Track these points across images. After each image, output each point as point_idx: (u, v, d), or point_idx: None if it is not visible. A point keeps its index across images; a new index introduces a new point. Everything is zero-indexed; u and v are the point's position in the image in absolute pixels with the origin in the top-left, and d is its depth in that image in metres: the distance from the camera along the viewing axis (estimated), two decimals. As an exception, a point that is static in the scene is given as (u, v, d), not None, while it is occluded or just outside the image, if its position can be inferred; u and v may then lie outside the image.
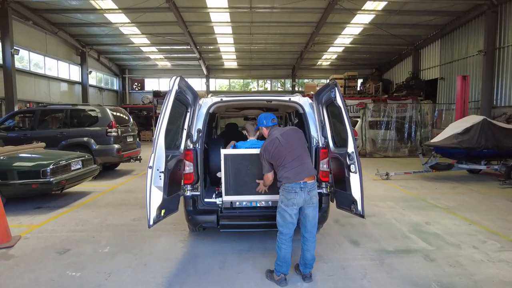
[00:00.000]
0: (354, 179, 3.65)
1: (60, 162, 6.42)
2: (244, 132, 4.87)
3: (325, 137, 4.30)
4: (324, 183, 4.35)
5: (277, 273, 3.51)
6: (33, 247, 4.48)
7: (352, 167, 3.63)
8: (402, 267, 3.88)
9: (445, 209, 6.29)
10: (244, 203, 4.32)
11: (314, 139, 4.41)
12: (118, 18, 16.74)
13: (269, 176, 3.66)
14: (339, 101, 3.62)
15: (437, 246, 4.51)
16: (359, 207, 3.62)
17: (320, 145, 4.35)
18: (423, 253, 4.28)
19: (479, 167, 9.34)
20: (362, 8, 15.49)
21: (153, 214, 3.33)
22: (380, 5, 15.31)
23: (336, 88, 3.66)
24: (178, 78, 3.51)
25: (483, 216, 5.83)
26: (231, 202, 4.29)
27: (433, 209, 6.35)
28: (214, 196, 4.56)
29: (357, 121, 15.67)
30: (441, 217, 5.82)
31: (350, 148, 3.63)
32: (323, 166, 4.29)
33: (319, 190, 4.39)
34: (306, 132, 4.51)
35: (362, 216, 3.65)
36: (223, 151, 4.24)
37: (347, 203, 3.86)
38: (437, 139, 9.56)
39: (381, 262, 4.03)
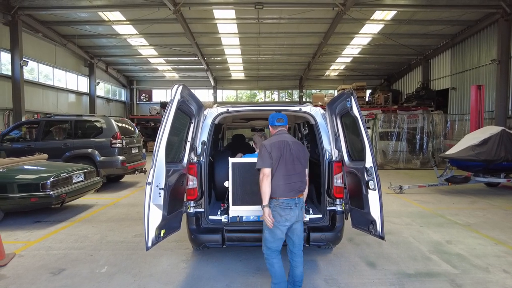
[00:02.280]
0: (372, 197, 3.33)
1: (61, 175, 6.21)
2: (251, 143, 4.60)
3: (339, 150, 3.99)
4: (338, 200, 4.02)
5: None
6: (27, 266, 4.21)
7: (371, 184, 3.31)
8: (426, 294, 3.51)
9: (466, 227, 5.88)
10: (251, 217, 4.03)
11: (327, 152, 4.11)
12: (126, 29, 16.84)
13: (266, 172, 3.12)
14: (355, 111, 3.33)
15: (462, 269, 4.11)
16: (379, 228, 3.29)
17: (334, 158, 4.04)
18: (448, 277, 3.90)
19: (498, 180, 8.89)
20: (371, 18, 15.32)
21: (151, 235, 3.05)
22: (389, 15, 15.11)
23: (352, 97, 3.37)
24: (181, 87, 3.27)
25: (509, 235, 5.41)
26: (238, 217, 4.00)
27: (453, 226, 5.94)
28: (219, 213, 4.26)
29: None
30: (463, 235, 5.41)
31: (368, 162, 3.32)
32: (337, 181, 3.97)
33: (332, 208, 4.11)
34: (318, 144, 4.22)
35: (382, 238, 3.31)
36: (231, 160, 4.01)
37: (365, 222, 3.53)
38: (452, 150, 9.16)
39: (401, 287, 3.66)
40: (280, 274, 3.23)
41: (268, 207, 3.11)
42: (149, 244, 3.02)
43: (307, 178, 3.42)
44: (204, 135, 4.13)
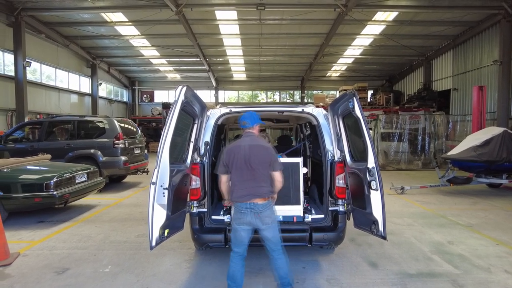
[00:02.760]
0: (375, 197, 3.35)
1: (65, 175, 6.25)
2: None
3: (341, 151, 4.01)
4: (340, 200, 4.05)
5: None
6: (31, 265, 4.25)
7: (373, 184, 3.33)
8: (428, 294, 3.53)
9: (468, 227, 5.89)
10: None
11: (329, 153, 4.13)
12: (128, 30, 16.90)
13: (221, 179, 3.35)
14: (357, 112, 3.36)
15: (464, 269, 4.12)
16: (381, 228, 3.31)
17: (336, 159, 4.06)
18: (450, 277, 3.91)
19: (500, 181, 8.88)
20: (373, 19, 15.33)
21: (155, 234, 3.07)
22: (391, 16, 15.12)
23: (354, 98, 3.40)
24: (185, 88, 3.30)
25: (511, 235, 5.41)
26: None
27: (454, 226, 5.94)
28: (222, 213, 4.28)
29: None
30: (464, 236, 5.42)
31: (371, 163, 3.34)
32: (339, 181, 4.00)
33: (334, 208, 4.12)
34: (321, 145, 4.24)
35: (384, 238, 3.33)
36: None
37: (367, 223, 3.55)
38: (454, 151, 9.16)
39: (403, 287, 3.68)
40: (232, 277, 3.25)
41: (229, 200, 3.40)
42: (153, 243, 3.05)
43: (265, 181, 3.23)
44: (207, 136, 4.16)
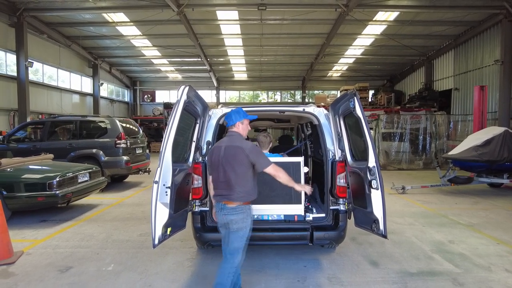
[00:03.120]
0: (375, 196, 3.37)
1: (67, 174, 6.29)
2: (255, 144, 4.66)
3: (342, 150, 4.04)
4: (341, 199, 4.07)
5: None
6: (34, 264, 4.29)
7: (374, 183, 3.35)
8: (429, 293, 3.55)
9: (469, 227, 5.90)
10: (255, 216, 4.08)
11: (330, 152, 4.16)
12: (129, 30, 16.95)
13: (209, 179, 3.40)
14: (358, 111, 3.38)
15: (465, 268, 4.14)
16: (381, 227, 3.33)
17: (337, 158, 4.09)
18: (450, 276, 3.93)
19: (501, 181, 8.89)
20: (374, 19, 15.34)
21: (158, 232, 3.10)
22: (392, 16, 15.13)
23: (355, 98, 3.42)
24: (187, 88, 3.32)
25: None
26: None
27: (455, 226, 5.96)
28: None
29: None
30: (465, 235, 5.43)
31: (371, 162, 3.36)
32: (340, 181, 4.02)
33: (335, 207, 4.15)
34: (322, 144, 4.27)
35: (384, 236, 3.36)
36: None
37: (367, 221, 3.57)
38: (455, 151, 9.17)
39: (404, 286, 3.70)
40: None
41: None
42: (156, 241, 3.08)
43: (240, 185, 3.07)
44: (209, 135, 4.19)
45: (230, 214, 3.08)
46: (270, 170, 3.11)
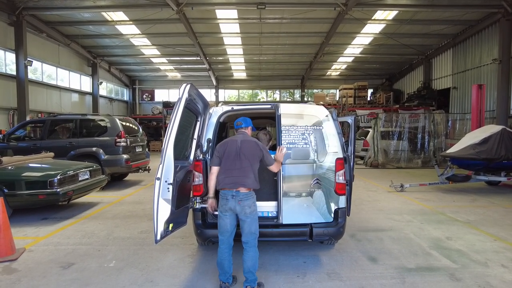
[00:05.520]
0: None
1: (68, 173, 6.33)
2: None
3: (342, 147, 4.09)
4: (340, 197, 4.11)
5: (219, 278, 3.55)
6: (37, 260, 4.33)
7: None
8: (426, 287, 3.61)
9: (467, 224, 5.97)
10: None
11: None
12: (129, 29, 16.94)
13: (212, 170, 3.66)
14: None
15: (462, 264, 4.21)
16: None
17: (337, 155, 4.13)
18: (448, 271, 3.99)
19: (499, 178, 8.96)
20: (373, 18, 15.38)
21: (160, 228, 3.15)
22: (391, 15, 15.17)
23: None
24: (189, 86, 3.37)
25: (508, 231, 5.50)
26: None
27: (453, 223, 6.02)
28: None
29: (368, 131, 15.41)
30: (463, 232, 5.50)
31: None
32: (339, 178, 4.07)
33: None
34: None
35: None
36: None
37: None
38: (453, 149, 9.24)
39: (402, 281, 3.76)
40: (220, 264, 3.48)
41: (213, 198, 3.69)
42: (158, 237, 3.13)
43: (253, 173, 3.53)
44: (209, 133, 4.23)
45: (245, 199, 3.43)
46: (275, 167, 3.73)
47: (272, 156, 3.74)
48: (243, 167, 3.50)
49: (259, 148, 3.61)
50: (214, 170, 3.64)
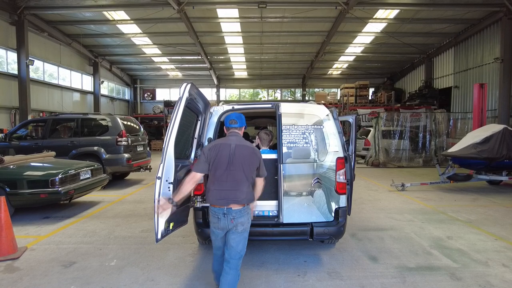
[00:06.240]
0: None
1: (69, 172, 6.34)
2: (255, 141, 4.72)
3: (343, 146, 4.10)
4: (341, 196, 4.12)
5: (215, 281, 3.30)
6: (38, 259, 4.35)
7: None
8: (427, 287, 3.61)
9: (467, 223, 5.96)
10: (256, 212, 4.15)
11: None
12: (130, 28, 16.97)
13: (196, 176, 3.04)
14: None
15: (462, 263, 4.21)
16: None
17: (338, 155, 4.14)
18: (448, 271, 3.99)
19: (500, 178, 8.93)
20: (374, 17, 15.36)
21: (161, 227, 3.16)
22: (392, 14, 15.15)
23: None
24: (189, 85, 3.37)
25: (509, 231, 5.49)
26: None
27: (454, 222, 6.02)
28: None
29: (370, 131, 15.40)
30: (464, 231, 5.49)
31: None
32: (340, 177, 4.07)
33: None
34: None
35: None
36: None
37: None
38: (454, 148, 9.22)
39: (402, 280, 3.76)
40: (217, 273, 3.21)
41: (174, 206, 3.12)
42: (159, 236, 3.14)
43: (247, 187, 3.03)
44: (210, 132, 4.24)
45: (239, 217, 2.98)
46: (262, 181, 3.21)
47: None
48: (236, 179, 2.97)
49: (257, 157, 3.09)
50: (197, 177, 3.04)
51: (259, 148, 4.63)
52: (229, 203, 2.96)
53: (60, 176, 6.04)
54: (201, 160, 3.08)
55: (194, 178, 3.04)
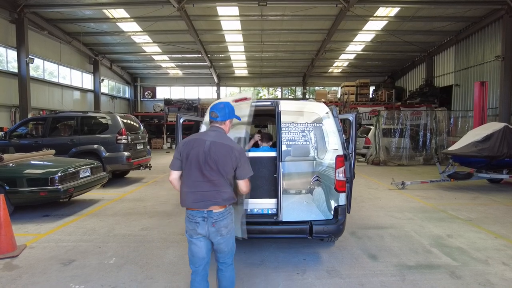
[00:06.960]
0: None
1: (69, 170, 6.34)
2: (254, 138, 4.71)
3: (342, 144, 4.08)
4: (341, 194, 4.10)
5: None
6: (38, 257, 4.35)
7: None
8: (426, 285, 3.60)
9: (468, 221, 5.95)
10: (255, 210, 4.15)
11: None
12: (130, 27, 16.94)
13: (173, 175, 2.78)
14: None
15: (462, 261, 4.19)
16: None
17: (337, 152, 4.12)
18: (448, 269, 3.98)
19: (500, 176, 8.91)
20: (375, 15, 15.30)
21: None
22: (393, 12, 15.10)
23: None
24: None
25: (509, 229, 5.47)
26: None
27: (454, 221, 6.00)
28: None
29: (370, 129, 15.37)
30: (463, 229, 5.48)
31: None
32: (339, 175, 4.05)
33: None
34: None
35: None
36: None
37: None
38: (455, 147, 9.19)
39: (402, 279, 3.75)
40: None
41: None
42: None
43: (226, 187, 2.70)
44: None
45: (221, 220, 2.68)
46: (244, 183, 2.78)
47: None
48: (212, 179, 2.65)
49: (235, 157, 2.68)
50: (175, 175, 2.78)
51: (258, 146, 4.63)
52: (209, 205, 2.65)
53: (59, 174, 6.04)
54: (174, 157, 2.78)
55: (171, 177, 2.80)
